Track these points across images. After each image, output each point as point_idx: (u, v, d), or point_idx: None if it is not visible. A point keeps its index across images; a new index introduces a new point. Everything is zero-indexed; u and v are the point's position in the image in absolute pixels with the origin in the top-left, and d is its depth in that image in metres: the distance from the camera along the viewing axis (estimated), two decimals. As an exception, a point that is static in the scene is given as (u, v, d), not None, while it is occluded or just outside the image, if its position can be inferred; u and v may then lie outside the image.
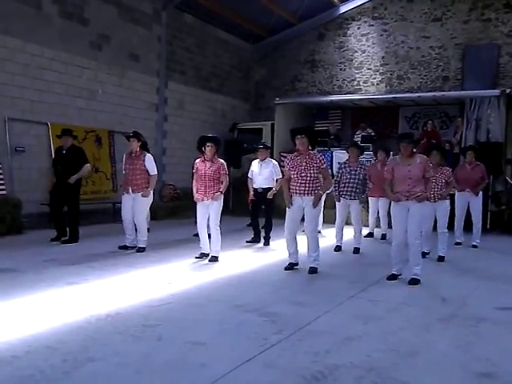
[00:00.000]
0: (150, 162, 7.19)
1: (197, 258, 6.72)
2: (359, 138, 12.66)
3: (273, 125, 13.18)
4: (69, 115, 10.06)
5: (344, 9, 14.81)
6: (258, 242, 8.20)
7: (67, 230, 7.74)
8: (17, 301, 4.48)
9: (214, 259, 6.62)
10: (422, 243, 7.05)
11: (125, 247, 7.24)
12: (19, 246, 7.31)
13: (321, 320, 4.19)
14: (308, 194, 5.92)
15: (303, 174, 5.92)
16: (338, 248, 7.76)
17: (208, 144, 6.58)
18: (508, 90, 10.89)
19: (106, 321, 4.00)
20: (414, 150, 5.75)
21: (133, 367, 3.11)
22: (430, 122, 12.33)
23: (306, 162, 5.94)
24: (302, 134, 5.97)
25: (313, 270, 5.99)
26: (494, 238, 9.54)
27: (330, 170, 9.92)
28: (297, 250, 6.21)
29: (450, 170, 7.34)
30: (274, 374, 3.08)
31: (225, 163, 6.74)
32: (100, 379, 2.95)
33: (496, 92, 10.94)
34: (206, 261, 6.61)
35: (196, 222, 6.89)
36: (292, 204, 6.00)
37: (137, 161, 7.16)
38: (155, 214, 10.25)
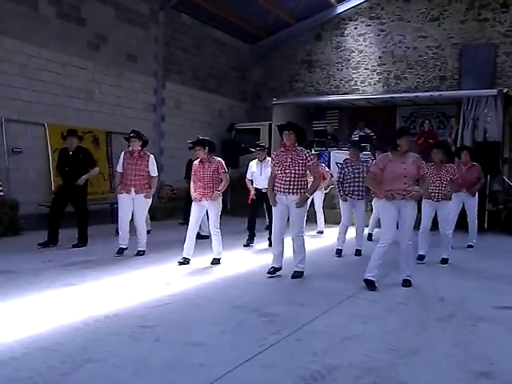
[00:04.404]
0: (153, 163, 7.02)
1: (179, 263, 6.36)
2: (357, 138, 12.67)
3: (270, 125, 13.16)
4: (66, 116, 10.05)
5: (341, 9, 14.86)
6: (252, 243, 8.09)
7: (58, 235, 7.45)
8: (14, 302, 4.47)
9: (216, 261, 6.51)
10: (420, 245, 6.99)
11: (121, 251, 6.97)
12: (16, 248, 7.29)
13: (319, 320, 4.18)
14: (292, 192, 5.59)
15: (287, 171, 5.59)
16: (338, 252, 7.46)
17: (197, 148, 6.43)
18: (505, 90, 10.92)
19: (103, 322, 3.99)
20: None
21: (131, 368, 3.10)
22: (426, 121, 12.36)
23: (291, 158, 5.60)
24: (289, 129, 5.66)
25: (297, 275, 5.69)
26: (491, 238, 9.55)
27: (324, 169, 9.83)
28: (282, 254, 5.87)
29: (454, 166, 7.15)
30: (272, 374, 3.08)
31: (223, 161, 6.59)
32: (98, 381, 2.94)
33: (493, 92, 10.95)
34: (208, 263, 6.52)
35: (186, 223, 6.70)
36: (277, 202, 5.70)
37: (141, 161, 6.92)
38: (153, 214, 10.23)
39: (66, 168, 7.43)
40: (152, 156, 7.11)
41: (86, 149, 7.81)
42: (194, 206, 6.53)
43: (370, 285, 5.28)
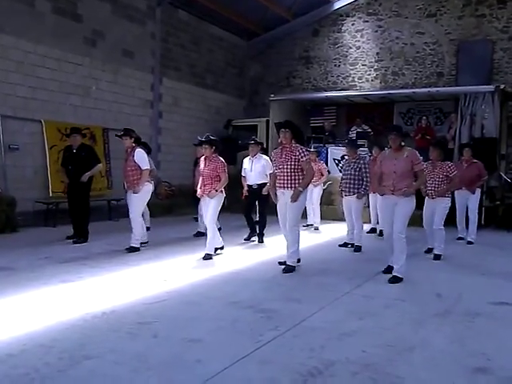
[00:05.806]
0: (138, 156, 6.94)
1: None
2: (354, 134, 12.67)
3: (268, 121, 13.16)
4: (62, 112, 10.01)
5: (338, 5, 14.81)
6: (255, 235, 8.18)
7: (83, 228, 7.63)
8: (11, 299, 4.47)
9: (208, 257, 6.52)
10: (429, 240, 7.23)
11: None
12: (13, 244, 7.28)
13: (316, 316, 4.19)
14: (287, 187, 5.86)
15: (280, 167, 5.91)
16: (343, 244, 7.81)
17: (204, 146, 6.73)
18: (502, 86, 10.94)
19: (101, 318, 3.99)
20: (403, 144, 5.67)
21: (128, 365, 3.10)
22: (424, 117, 12.36)
23: (285, 154, 5.89)
24: (285, 127, 5.95)
25: (288, 269, 5.84)
26: (488, 234, 9.57)
27: (322, 165, 9.91)
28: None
29: (449, 164, 7.12)
30: (269, 370, 3.08)
31: (224, 162, 6.74)
32: (96, 377, 2.94)
33: (490, 87, 10.96)
34: (201, 259, 6.54)
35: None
36: (278, 199, 6.03)
37: (128, 157, 7.02)
38: (150, 211, 10.23)
39: (69, 166, 7.56)
40: (138, 149, 7.03)
41: (89, 146, 7.97)
42: (201, 202, 6.96)
43: (385, 269, 5.82)
